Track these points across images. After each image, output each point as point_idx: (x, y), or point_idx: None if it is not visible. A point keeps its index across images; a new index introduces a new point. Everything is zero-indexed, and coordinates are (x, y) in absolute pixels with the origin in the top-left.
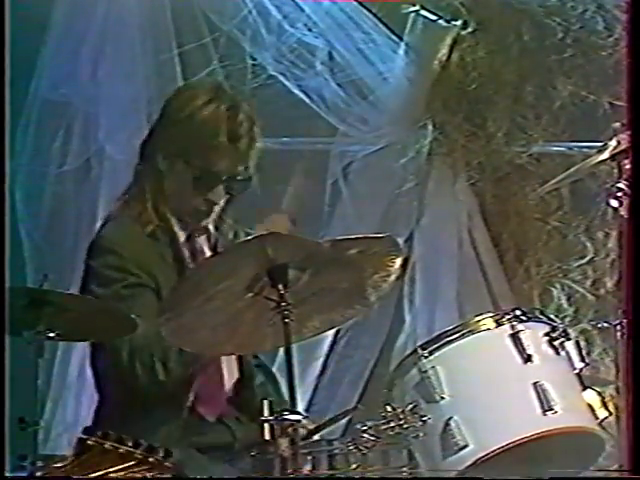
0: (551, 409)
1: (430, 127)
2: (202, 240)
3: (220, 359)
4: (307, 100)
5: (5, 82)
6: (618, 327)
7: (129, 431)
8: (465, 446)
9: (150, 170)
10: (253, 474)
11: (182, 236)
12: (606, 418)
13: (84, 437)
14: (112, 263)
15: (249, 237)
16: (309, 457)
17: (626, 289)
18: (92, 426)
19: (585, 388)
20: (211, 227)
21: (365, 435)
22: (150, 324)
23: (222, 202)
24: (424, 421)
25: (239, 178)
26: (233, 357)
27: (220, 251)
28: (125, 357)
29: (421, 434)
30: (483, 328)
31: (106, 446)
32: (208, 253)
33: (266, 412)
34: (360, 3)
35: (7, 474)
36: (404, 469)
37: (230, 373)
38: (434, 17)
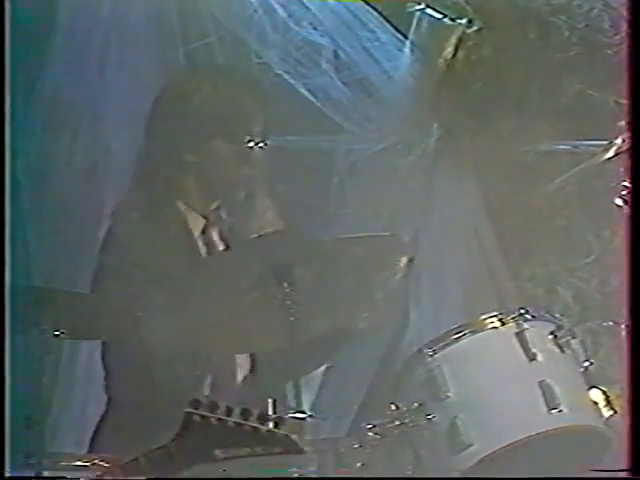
0: (556, 407)
1: (436, 125)
2: (215, 232)
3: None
4: (312, 98)
5: (5, 81)
6: (624, 326)
7: (138, 433)
8: (471, 444)
9: (168, 166)
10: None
11: (197, 229)
12: (611, 417)
13: (190, 411)
14: (127, 259)
15: (254, 236)
16: (315, 455)
17: (627, 288)
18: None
19: (591, 387)
20: (224, 216)
21: (370, 434)
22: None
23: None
24: (429, 420)
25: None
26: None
27: (226, 249)
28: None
29: (426, 433)
30: (489, 327)
31: (212, 421)
32: (221, 246)
33: (270, 410)
34: (365, 2)
35: (7, 474)
36: (409, 467)
37: (241, 367)
38: (439, 15)
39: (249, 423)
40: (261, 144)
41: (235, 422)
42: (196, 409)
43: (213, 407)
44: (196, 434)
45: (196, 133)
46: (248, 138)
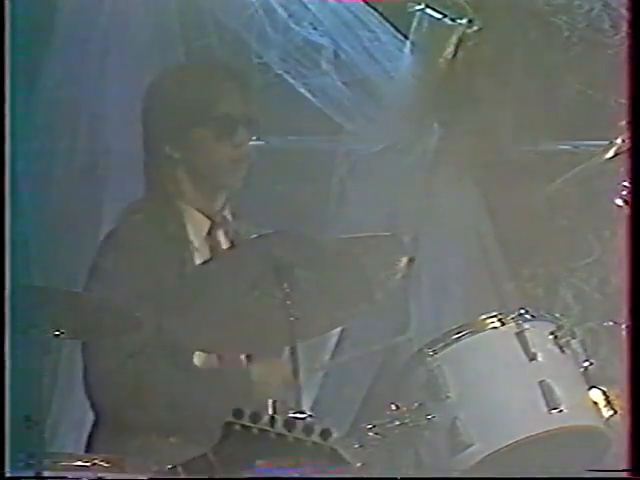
0: (557, 407)
1: (436, 125)
2: (221, 234)
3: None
4: (313, 99)
5: (5, 81)
6: (624, 326)
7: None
8: (471, 444)
9: (159, 166)
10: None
11: (203, 231)
12: (611, 417)
13: (231, 420)
14: (122, 265)
15: (254, 236)
16: None
17: (627, 288)
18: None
19: (591, 387)
20: (229, 217)
21: (370, 433)
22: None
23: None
24: (430, 420)
25: (251, 118)
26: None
27: (226, 249)
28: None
29: (427, 433)
30: (489, 327)
31: (254, 431)
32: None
33: (270, 411)
34: (365, 2)
35: (7, 474)
36: (409, 467)
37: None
38: (439, 15)
39: (293, 434)
40: (245, 122)
41: (278, 433)
42: (238, 419)
43: (256, 417)
44: (237, 444)
45: (176, 126)
46: (231, 119)
